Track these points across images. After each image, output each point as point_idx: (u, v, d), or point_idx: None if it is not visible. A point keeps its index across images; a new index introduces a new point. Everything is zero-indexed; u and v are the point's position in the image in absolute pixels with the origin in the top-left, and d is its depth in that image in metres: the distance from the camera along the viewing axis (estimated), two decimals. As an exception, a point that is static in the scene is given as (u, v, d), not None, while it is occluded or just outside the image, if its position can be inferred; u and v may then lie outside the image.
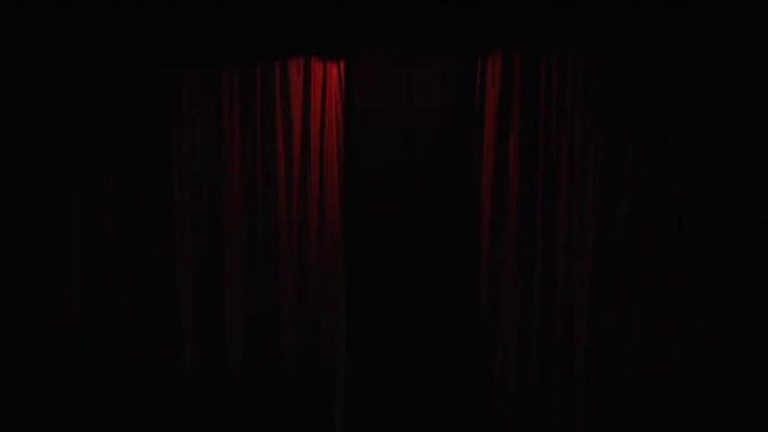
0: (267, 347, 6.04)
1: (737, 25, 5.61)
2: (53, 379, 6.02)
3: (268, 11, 5.92)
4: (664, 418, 5.72)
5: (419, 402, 5.92)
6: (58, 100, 6.06)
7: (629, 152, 5.80)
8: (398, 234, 5.95)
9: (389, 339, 5.95)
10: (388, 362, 5.94)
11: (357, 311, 6.04)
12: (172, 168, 6.09)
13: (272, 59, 6.05)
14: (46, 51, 6.01)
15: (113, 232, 6.09)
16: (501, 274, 5.91)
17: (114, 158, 6.10)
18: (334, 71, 6.04)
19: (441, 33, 5.88)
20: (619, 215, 5.78)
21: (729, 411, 5.67)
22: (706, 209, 5.71)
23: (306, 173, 6.06)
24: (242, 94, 6.08)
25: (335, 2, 5.86)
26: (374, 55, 5.99)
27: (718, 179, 5.70)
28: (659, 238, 5.77)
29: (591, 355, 5.80)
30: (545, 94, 5.86)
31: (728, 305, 5.68)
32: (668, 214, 5.76)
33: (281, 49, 6.03)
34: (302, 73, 6.05)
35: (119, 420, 6.01)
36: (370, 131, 6.01)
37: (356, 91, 6.03)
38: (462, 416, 5.89)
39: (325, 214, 6.05)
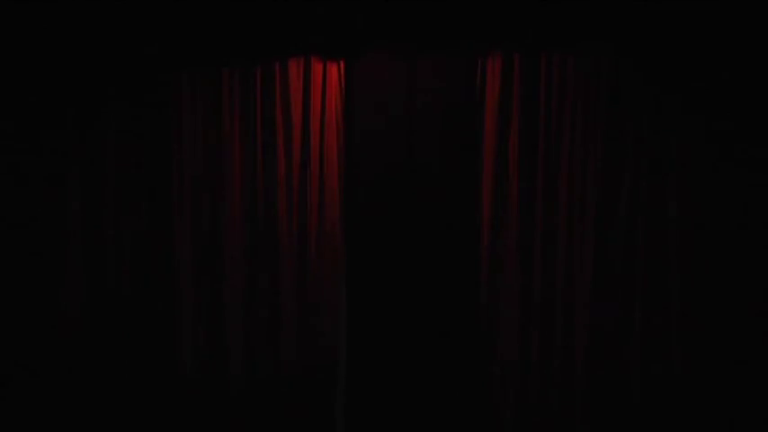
0: (267, 348, 6.04)
1: (738, 23, 5.62)
2: (52, 380, 6.01)
3: (268, 11, 5.92)
4: (664, 418, 5.72)
5: (419, 402, 5.91)
6: (58, 99, 6.06)
7: (630, 151, 5.80)
8: (398, 234, 5.95)
9: (389, 339, 5.94)
10: (389, 362, 5.94)
11: (357, 311, 6.04)
12: (172, 168, 6.09)
13: (272, 59, 6.05)
14: (47, 50, 6.01)
15: (113, 233, 6.09)
16: (501, 274, 5.91)
17: (114, 158, 6.10)
18: (334, 71, 6.05)
19: (440, 33, 5.88)
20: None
21: (730, 411, 5.66)
22: (707, 207, 5.71)
23: (306, 173, 6.07)
24: (242, 93, 6.08)
25: (335, 2, 5.86)
26: (374, 55, 5.98)
27: (718, 178, 5.70)
28: (659, 238, 5.76)
29: (591, 355, 5.80)
30: (545, 94, 5.87)
31: (730, 304, 5.68)
32: (669, 213, 5.76)
33: (281, 49, 6.03)
34: (302, 73, 6.05)
35: (118, 422, 6.00)
36: (370, 132, 6.01)
37: (356, 91, 6.03)
38: (462, 416, 5.89)
39: (325, 214, 6.05)
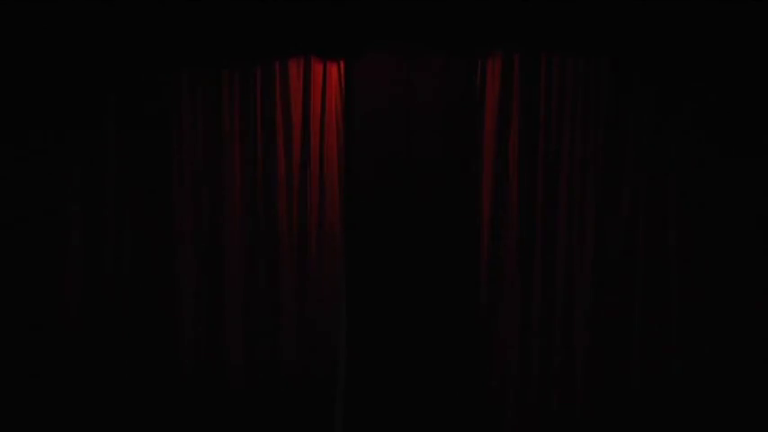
0: (267, 348, 6.03)
1: (737, 24, 5.62)
2: (52, 379, 6.00)
3: (268, 11, 5.92)
4: (664, 419, 5.72)
5: (419, 403, 5.91)
6: (58, 99, 6.06)
7: (630, 151, 5.80)
8: (398, 234, 5.94)
9: (389, 339, 5.94)
10: (389, 361, 5.94)
11: (357, 311, 6.03)
12: (172, 168, 6.09)
13: (272, 59, 6.05)
14: (48, 49, 6.00)
15: (113, 232, 6.08)
16: (501, 274, 5.91)
17: (114, 158, 6.09)
18: (334, 71, 6.04)
19: (441, 33, 5.88)
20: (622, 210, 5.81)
21: (730, 411, 5.66)
22: (707, 208, 5.72)
23: (306, 173, 6.07)
24: (242, 94, 6.08)
25: (335, 2, 5.86)
26: (374, 55, 5.98)
27: (718, 178, 5.70)
28: (660, 238, 5.77)
29: (591, 356, 5.80)
30: (545, 94, 5.87)
31: (730, 304, 5.68)
32: (669, 213, 5.77)
33: (281, 49, 6.03)
34: (302, 73, 6.05)
35: (118, 421, 6.00)
36: (370, 132, 6.01)
37: (356, 91, 6.03)
38: (462, 416, 5.89)
39: (325, 214, 6.05)
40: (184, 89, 6.09)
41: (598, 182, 5.84)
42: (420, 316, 5.93)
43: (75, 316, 6.04)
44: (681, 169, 5.78)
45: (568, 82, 5.87)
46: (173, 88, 6.08)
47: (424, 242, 5.95)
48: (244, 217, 6.06)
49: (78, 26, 5.97)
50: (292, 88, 6.07)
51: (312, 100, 6.06)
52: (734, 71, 5.70)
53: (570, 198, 5.86)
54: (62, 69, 6.04)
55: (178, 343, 6.03)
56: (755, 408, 5.65)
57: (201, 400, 6.00)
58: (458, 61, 5.95)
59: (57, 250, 6.06)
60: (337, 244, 6.07)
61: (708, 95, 5.74)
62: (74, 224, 6.07)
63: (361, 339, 6.02)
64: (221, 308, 6.04)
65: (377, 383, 5.96)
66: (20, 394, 5.98)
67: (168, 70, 6.08)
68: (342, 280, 6.07)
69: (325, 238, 6.05)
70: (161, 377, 6.01)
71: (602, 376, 5.79)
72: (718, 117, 5.73)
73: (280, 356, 6.02)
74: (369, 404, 5.98)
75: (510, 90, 5.91)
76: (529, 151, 5.90)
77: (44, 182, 6.05)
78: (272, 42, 6.01)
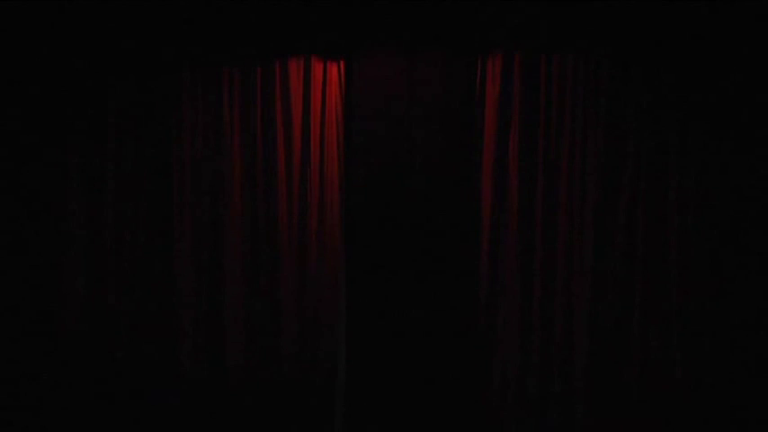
0: (267, 349, 6.03)
1: (736, 23, 5.61)
2: (53, 379, 6.02)
3: (269, 11, 5.92)
4: (663, 419, 5.71)
5: (419, 403, 5.91)
6: (60, 97, 6.08)
7: (629, 151, 5.79)
8: (398, 234, 5.94)
9: (389, 339, 5.94)
10: (388, 362, 5.93)
11: (357, 312, 6.03)
12: (172, 168, 6.10)
13: (272, 59, 6.06)
14: (51, 48, 6.03)
15: (113, 233, 6.10)
16: (501, 274, 5.90)
17: (114, 159, 6.11)
18: (334, 71, 6.05)
19: (441, 33, 5.89)
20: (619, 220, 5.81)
21: (730, 414, 5.66)
22: (707, 207, 5.70)
23: (306, 173, 6.07)
24: (242, 93, 6.09)
25: (335, 2, 5.86)
26: (374, 55, 5.99)
27: (718, 177, 5.69)
28: (659, 237, 5.75)
29: (591, 356, 5.79)
30: (545, 94, 5.86)
31: (730, 305, 5.67)
32: (668, 213, 5.76)
33: (281, 48, 6.04)
34: (302, 73, 6.05)
35: (119, 421, 6.01)
36: (370, 131, 6.01)
37: (356, 91, 6.03)
38: (462, 416, 5.89)
39: (325, 214, 6.05)
40: (185, 89, 6.11)
41: (598, 181, 5.82)
42: (420, 316, 5.92)
43: (75, 316, 6.06)
44: (682, 168, 5.76)
45: (568, 81, 5.87)
46: (174, 88, 6.11)
47: (423, 242, 5.94)
48: (244, 217, 6.07)
49: (80, 25, 5.99)
50: (293, 88, 6.07)
51: (312, 99, 6.07)
52: (734, 68, 5.68)
53: (570, 198, 5.85)
54: (64, 67, 6.06)
55: (178, 344, 6.04)
56: (756, 408, 5.64)
57: (201, 402, 6.01)
58: (458, 61, 5.94)
59: (57, 250, 6.08)
60: (337, 244, 6.07)
61: (709, 93, 5.72)
62: (74, 225, 6.08)
63: (361, 339, 6.01)
64: (221, 309, 6.05)
65: (377, 383, 5.96)
66: (21, 393, 6.01)
67: (170, 70, 6.09)
68: (342, 280, 6.07)
69: (325, 238, 6.05)
70: (161, 378, 6.02)
71: (601, 377, 5.77)
72: (719, 115, 5.72)
73: (280, 357, 6.02)
74: (368, 404, 5.98)
75: (510, 90, 5.90)
76: (529, 151, 5.90)
77: (45, 181, 6.08)
78: (272, 42, 6.03)
